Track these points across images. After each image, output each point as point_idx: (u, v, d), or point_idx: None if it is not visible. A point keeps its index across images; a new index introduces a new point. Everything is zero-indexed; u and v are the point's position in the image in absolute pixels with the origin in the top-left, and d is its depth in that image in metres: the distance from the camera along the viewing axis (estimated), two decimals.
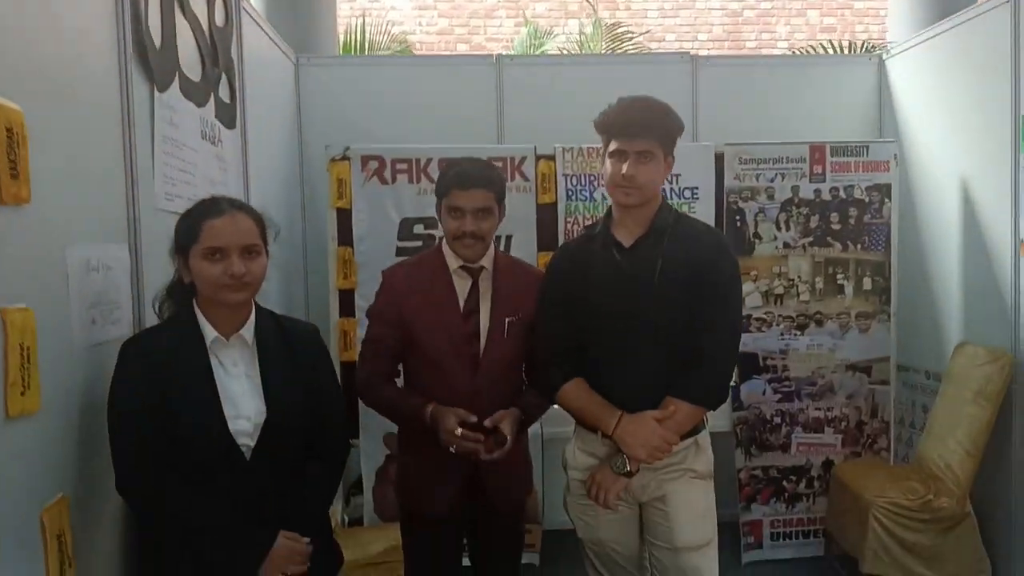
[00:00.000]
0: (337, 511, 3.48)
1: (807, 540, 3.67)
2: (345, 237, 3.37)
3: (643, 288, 1.89)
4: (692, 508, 1.96)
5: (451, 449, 1.93)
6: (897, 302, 3.55)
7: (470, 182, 2.04)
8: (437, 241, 2.34)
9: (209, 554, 1.59)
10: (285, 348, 1.75)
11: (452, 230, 2.08)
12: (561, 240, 3.37)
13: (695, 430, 1.93)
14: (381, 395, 2.14)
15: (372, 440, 3.40)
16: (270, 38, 3.43)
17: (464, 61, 5.09)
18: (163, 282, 1.79)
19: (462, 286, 2.13)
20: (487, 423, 1.97)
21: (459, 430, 1.91)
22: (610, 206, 2.08)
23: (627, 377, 1.92)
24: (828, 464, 3.59)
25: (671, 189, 3.39)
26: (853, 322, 3.54)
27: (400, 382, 2.23)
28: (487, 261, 2.15)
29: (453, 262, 2.13)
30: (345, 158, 3.34)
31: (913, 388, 3.77)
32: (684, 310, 1.88)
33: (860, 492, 3.24)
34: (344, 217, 3.37)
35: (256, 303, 1.75)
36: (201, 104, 2.37)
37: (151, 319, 1.85)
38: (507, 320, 2.12)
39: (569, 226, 3.41)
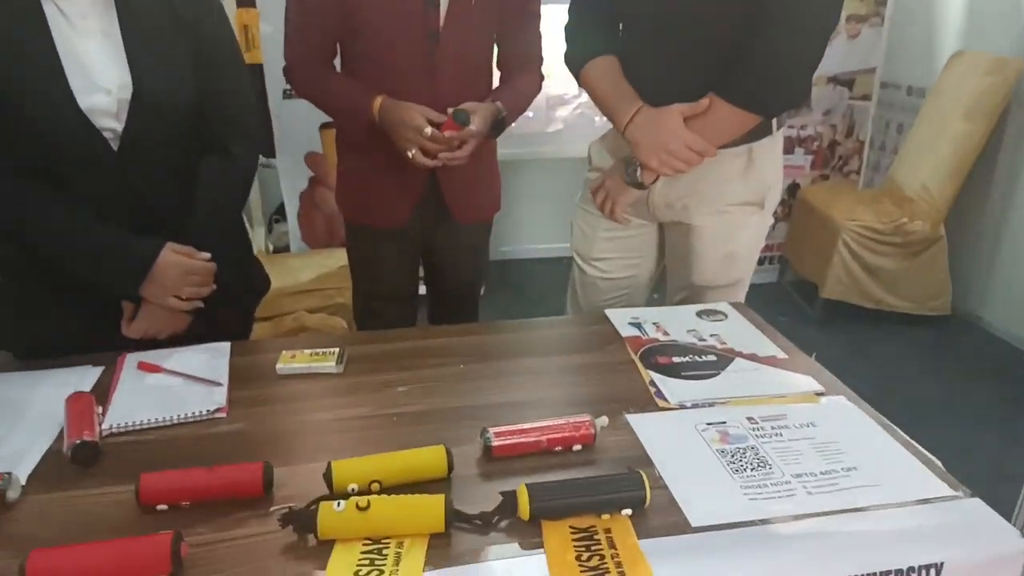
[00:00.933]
0: (260, 238, 3.10)
1: (760, 267, 3.53)
2: None
3: None
4: (726, 247, 1.49)
5: (409, 154, 1.50)
6: (893, 3, 3.12)
7: None
8: None
9: (80, 275, 1.19)
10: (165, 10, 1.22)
11: None
12: None
13: (750, 136, 1.40)
14: (316, 79, 1.60)
15: (292, 160, 2.94)
16: None
17: None
18: None
19: None
20: (450, 111, 1.50)
21: (427, 128, 1.46)
22: None
23: (664, 66, 1.41)
24: (794, 188, 3.35)
25: None
26: (843, 27, 3.11)
27: None
28: None
29: None
30: None
31: (890, 107, 3.46)
32: None
33: (829, 215, 3.02)
34: None
35: None
36: None
37: None
38: None
39: None
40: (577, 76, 1.53)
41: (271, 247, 3.24)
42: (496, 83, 1.73)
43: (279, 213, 3.32)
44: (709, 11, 1.31)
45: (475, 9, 1.56)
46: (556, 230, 3.79)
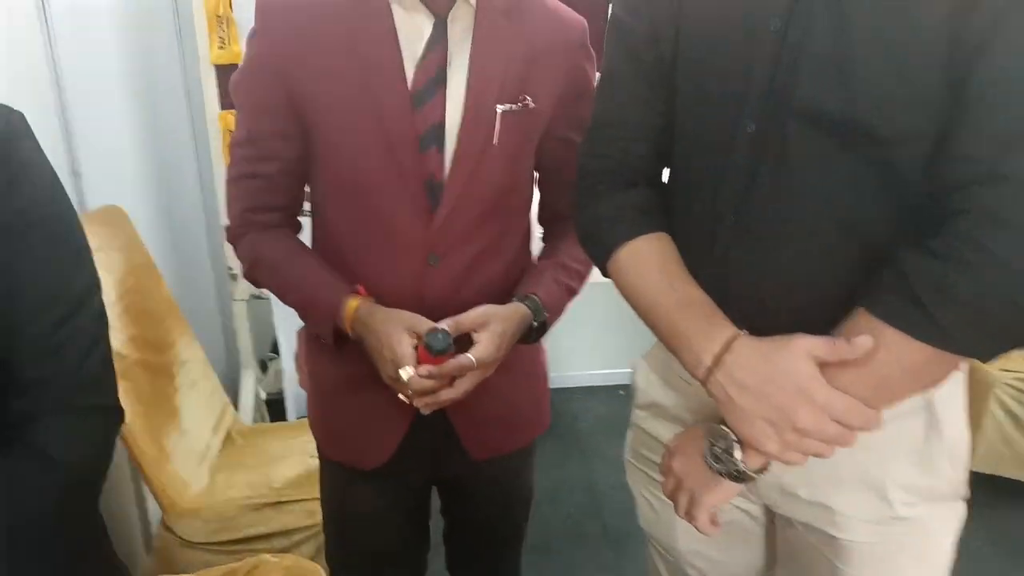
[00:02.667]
0: (249, 383, 2.51)
1: None
2: None
3: (833, 15, 0.72)
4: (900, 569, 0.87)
5: (401, 397, 1.03)
6: None
7: None
8: None
9: None
10: None
11: None
12: None
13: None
14: (262, 256, 1.09)
15: None
16: None
17: None
18: None
19: (414, 31, 1.01)
20: (447, 323, 0.99)
21: (409, 371, 0.97)
22: None
23: (766, 248, 0.80)
24: None
25: None
26: None
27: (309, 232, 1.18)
28: None
29: None
30: None
31: None
32: (932, 104, 0.68)
33: (975, 364, 2.33)
34: None
35: None
36: None
37: None
38: (500, 108, 1.01)
39: None
40: (603, 266, 0.94)
41: (263, 393, 2.65)
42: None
43: (274, 350, 2.75)
44: (876, 117, 0.71)
45: (500, 146, 1.02)
46: (608, 354, 3.14)
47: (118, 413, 0.82)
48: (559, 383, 3.15)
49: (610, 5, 0.94)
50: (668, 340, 0.86)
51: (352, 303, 1.02)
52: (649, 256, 0.88)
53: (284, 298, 1.11)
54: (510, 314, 1.03)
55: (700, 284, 0.85)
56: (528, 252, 1.18)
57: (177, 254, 2.40)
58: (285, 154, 1.05)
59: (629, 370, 3.14)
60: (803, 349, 0.74)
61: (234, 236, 1.11)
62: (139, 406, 1.54)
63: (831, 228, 0.76)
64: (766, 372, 0.75)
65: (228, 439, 1.90)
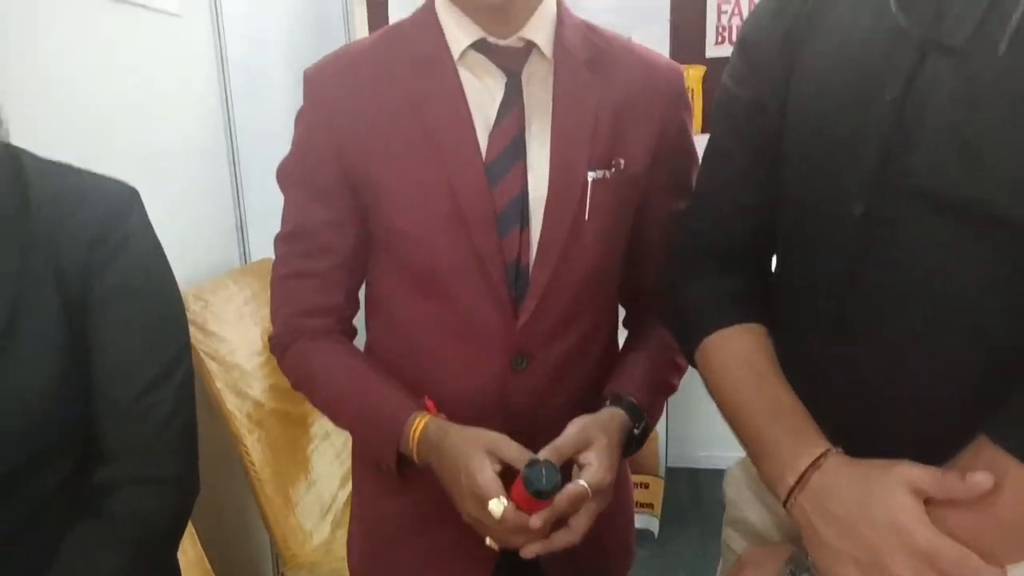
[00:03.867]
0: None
1: None
2: None
3: (958, 86, 0.61)
4: None
5: (488, 542, 0.84)
6: None
7: None
8: None
9: None
10: (20, 252, 0.71)
11: None
12: (712, 43, 2.08)
13: None
14: (312, 368, 0.95)
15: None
16: None
17: None
18: None
19: (484, 93, 0.90)
20: (548, 453, 0.81)
21: (500, 504, 0.78)
22: None
23: (871, 351, 0.69)
24: None
25: None
26: None
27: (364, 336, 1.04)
28: (540, 29, 0.90)
29: (462, 35, 0.89)
30: None
31: None
32: None
33: None
34: (379, 11, 2.22)
35: None
36: None
37: None
38: (591, 175, 0.89)
39: (726, 19, 2.09)
40: (690, 354, 0.85)
41: None
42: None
43: None
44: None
45: (593, 220, 0.89)
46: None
47: (194, 484, 0.83)
48: (702, 463, 2.95)
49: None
50: (750, 447, 0.76)
51: (420, 420, 0.85)
52: (739, 349, 0.79)
53: (338, 418, 0.96)
54: (610, 423, 0.87)
55: (793, 387, 0.75)
56: (616, 345, 1.05)
57: None
58: (340, 246, 0.93)
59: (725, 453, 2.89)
60: (905, 478, 0.62)
61: (280, 345, 0.97)
62: (270, 454, 1.60)
63: (950, 330, 0.64)
64: (858, 501, 0.64)
65: None
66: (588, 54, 0.91)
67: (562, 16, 0.92)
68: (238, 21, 1.91)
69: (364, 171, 0.90)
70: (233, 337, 1.63)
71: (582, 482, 0.80)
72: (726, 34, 2.06)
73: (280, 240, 0.96)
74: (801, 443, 0.70)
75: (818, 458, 0.68)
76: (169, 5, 1.64)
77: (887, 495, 0.62)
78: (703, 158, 0.88)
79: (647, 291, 1.02)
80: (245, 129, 1.92)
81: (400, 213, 0.89)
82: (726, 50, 2.06)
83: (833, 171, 0.70)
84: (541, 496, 0.76)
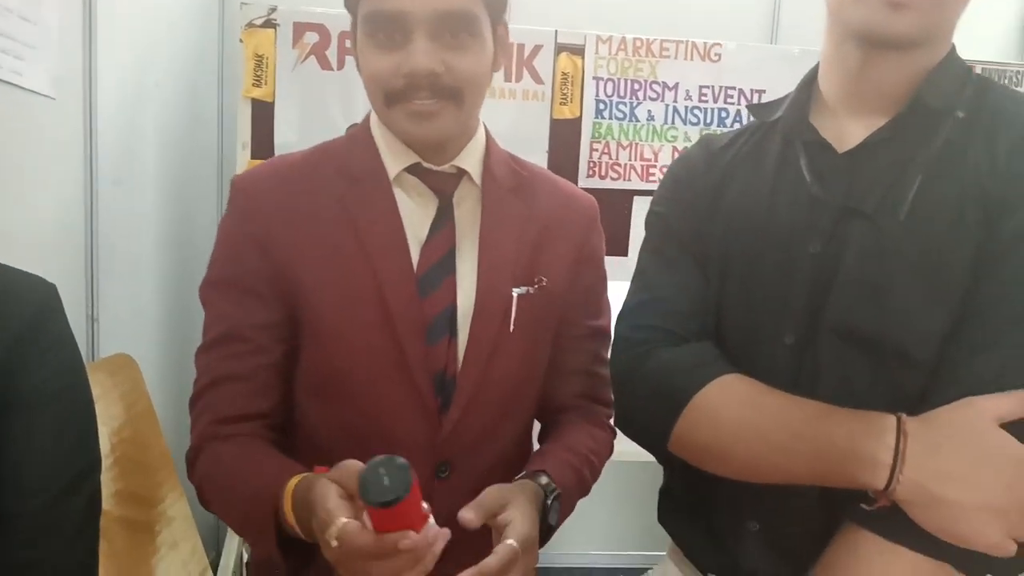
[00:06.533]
0: (234, 543, 2.40)
1: None
2: (262, 146, 2.24)
3: (868, 244, 0.77)
4: None
5: None
6: None
7: None
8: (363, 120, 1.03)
9: None
10: None
11: (383, 75, 0.89)
12: (583, 175, 2.26)
13: None
14: (217, 465, 0.89)
15: None
16: None
17: None
18: None
19: (418, 216, 0.96)
20: (466, 515, 0.80)
21: (340, 522, 0.68)
22: (811, 70, 0.91)
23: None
24: None
25: None
26: None
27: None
28: (470, 158, 0.98)
29: (397, 158, 0.95)
30: (269, 24, 2.20)
31: None
32: (953, 308, 0.72)
33: None
34: (262, 115, 2.24)
35: None
36: None
37: None
38: (517, 292, 0.96)
39: (596, 156, 2.29)
40: (676, 413, 0.81)
41: (245, 555, 2.53)
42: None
43: None
44: (903, 328, 0.76)
45: (517, 332, 0.94)
46: (610, 535, 2.99)
47: None
48: (560, 561, 2.99)
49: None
50: (810, 464, 0.74)
51: (294, 480, 0.78)
52: (748, 387, 0.80)
53: (228, 512, 0.89)
54: (525, 487, 0.88)
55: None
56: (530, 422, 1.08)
57: (180, 406, 2.38)
58: (270, 348, 0.91)
59: (634, 552, 2.99)
60: (991, 414, 0.67)
61: (194, 456, 0.91)
62: (112, 567, 1.46)
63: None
64: (968, 452, 0.67)
65: None
66: (513, 182, 1.01)
67: (490, 148, 1.01)
68: (111, 108, 1.86)
69: (294, 276, 0.91)
70: None
71: (510, 541, 0.78)
72: (596, 169, 2.25)
73: (202, 352, 0.94)
74: (872, 424, 0.72)
75: (899, 428, 0.70)
76: (42, 86, 1.58)
77: (988, 434, 0.67)
78: (646, 266, 0.95)
79: (564, 405, 1.07)
80: (108, 219, 1.84)
81: (329, 318, 0.91)
82: (596, 182, 2.24)
83: (768, 307, 0.83)
84: (386, 506, 0.63)
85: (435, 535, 0.68)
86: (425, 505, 0.68)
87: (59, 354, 0.75)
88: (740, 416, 0.79)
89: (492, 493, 0.85)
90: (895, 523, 0.70)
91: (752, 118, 0.96)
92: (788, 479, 0.76)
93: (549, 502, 0.90)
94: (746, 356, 0.85)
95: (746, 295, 0.86)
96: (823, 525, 0.77)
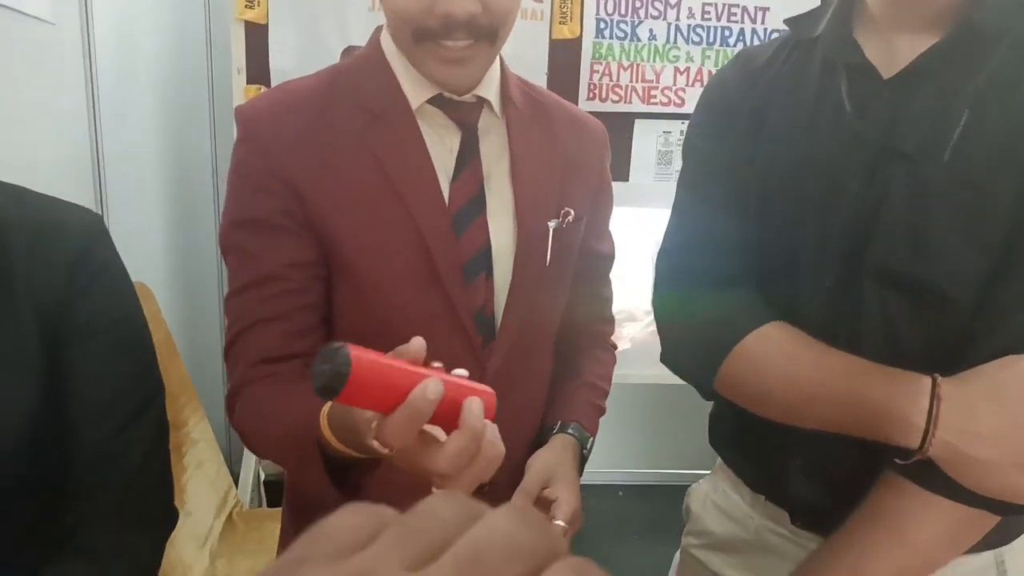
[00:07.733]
0: (251, 463, 2.49)
1: None
2: (258, 71, 2.21)
3: (910, 188, 0.75)
4: None
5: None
6: None
7: None
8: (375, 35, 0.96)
9: None
10: None
11: (414, 14, 0.81)
12: (583, 98, 2.26)
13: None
14: (265, 406, 0.83)
15: None
16: None
17: None
18: None
19: (441, 149, 0.90)
20: (519, 498, 0.83)
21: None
22: None
23: None
24: None
25: None
26: None
27: None
28: (490, 85, 0.93)
29: (419, 88, 0.89)
30: None
31: None
32: (996, 249, 0.71)
33: None
34: (256, 38, 2.20)
35: None
36: None
37: None
38: (551, 223, 0.93)
39: (597, 78, 2.28)
40: (716, 364, 0.82)
41: (263, 474, 2.62)
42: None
43: None
44: (934, 269, 0.75)
45: (552, 267, 0.93)
46: (612, 455, 3.12)
47: (171, 522, 0.82)
48: (594, 479, 3.12)
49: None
50: (845, 419, 0.75)
51: (328, 405, 0.71)
52: (791, 335, 0.79)
53: (272, 449, 0.84)
54: (564, 453, 0.91)
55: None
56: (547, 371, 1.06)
57: (193, 331, 2.42)
58: (306, 288, 0.85)
59: (628, 470, 3.12)
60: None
61: (233, 401, 0.85)
62: None
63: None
64: (999, 413, 0.67)
65: (229, 522, 1.88)
66: (531, 110, 0.97)
67: (506, 73, 0.97)
68: (107, 33, 1.83)
69: (324, 218, 0.85)
70: None
71: (559, 522, 0.83)
72: (596, 91, 2.24)
73: (233, 296, 0.87)
74: (907, 385, 0.71)
75: (933, 389, 0.70)
76: (41, 11, 1.56)
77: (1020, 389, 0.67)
78: (684, 201, 0.92)
79: (575, 330, 1.07)
80: (113, 148, 1.83)
81: (364, 260, 0.86)
82: (596, 105, 2.24)
83: (806, 250, 0.81)
84: (334, 390, 0.56)
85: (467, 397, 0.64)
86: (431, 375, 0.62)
87: (112, 281, 0.77)
88: (779, 367, 0.79)
89: (536, 469, 0.87)
90: (934, 474, 0.71)
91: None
92: (825, 428, 0.77)
93: (586, 452, 0.96)
94: (786, 298, 0.82)
95: (786, 235, 0.82)
96: (866, 463, 0.78)
